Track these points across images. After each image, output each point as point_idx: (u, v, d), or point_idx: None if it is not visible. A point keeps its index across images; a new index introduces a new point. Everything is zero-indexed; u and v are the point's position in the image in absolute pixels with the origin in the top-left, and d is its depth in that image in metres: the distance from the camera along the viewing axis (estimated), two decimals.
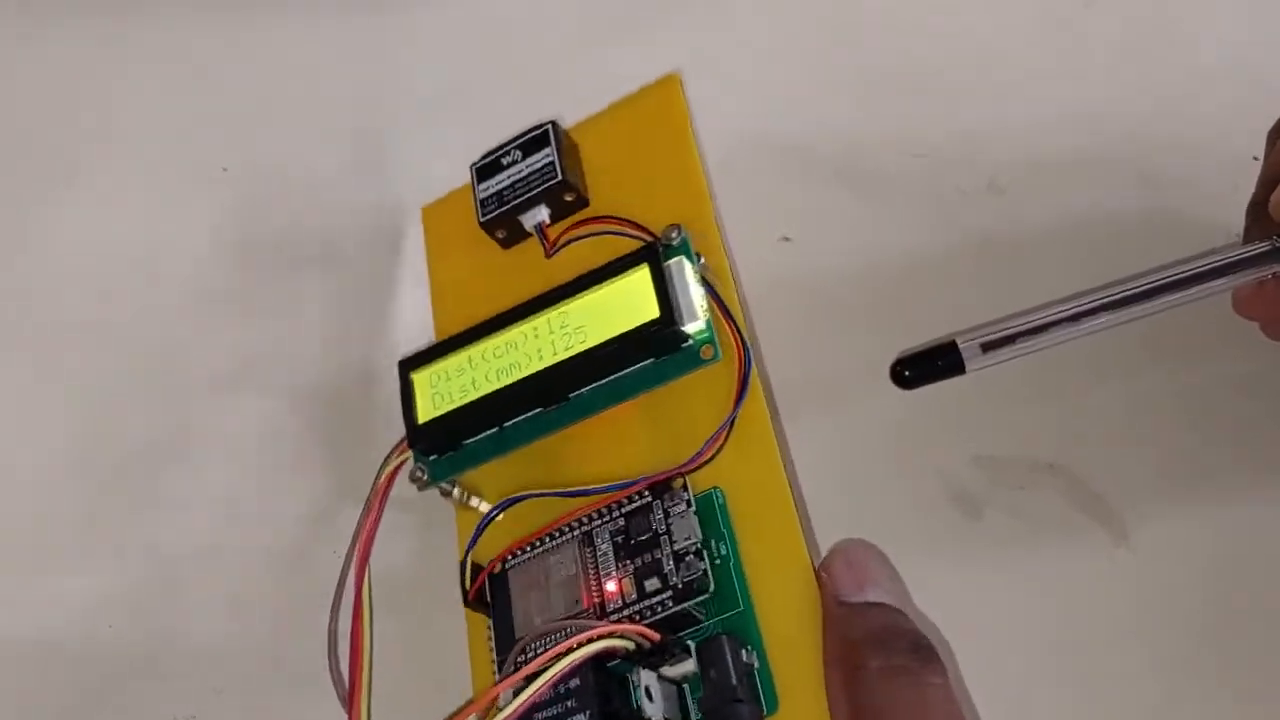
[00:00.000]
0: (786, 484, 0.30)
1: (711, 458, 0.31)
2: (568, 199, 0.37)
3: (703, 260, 0.33)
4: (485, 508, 0.34)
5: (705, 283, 0.32)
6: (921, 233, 0.37)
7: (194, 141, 0.45)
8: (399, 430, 0.35)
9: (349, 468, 0.39)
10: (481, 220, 0.37)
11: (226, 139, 0.45)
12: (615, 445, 0.33)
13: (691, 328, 0.31)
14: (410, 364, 0.34)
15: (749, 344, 0.32)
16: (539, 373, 0.32)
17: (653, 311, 0.31)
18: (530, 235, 0.38)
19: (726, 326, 0.32)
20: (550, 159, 0.36)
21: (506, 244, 0.38)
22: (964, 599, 0.32)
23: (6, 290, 0.45)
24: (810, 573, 0.29)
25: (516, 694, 0.26)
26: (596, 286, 0.32)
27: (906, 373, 0.30)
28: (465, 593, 0.32)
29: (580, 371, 0.32)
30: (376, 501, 0.34)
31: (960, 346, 0.29)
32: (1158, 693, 0.31)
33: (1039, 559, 0.33)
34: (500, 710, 0.26)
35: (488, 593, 0.31)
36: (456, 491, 0.34)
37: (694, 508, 0.30)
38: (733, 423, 0.31)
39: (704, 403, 0.32)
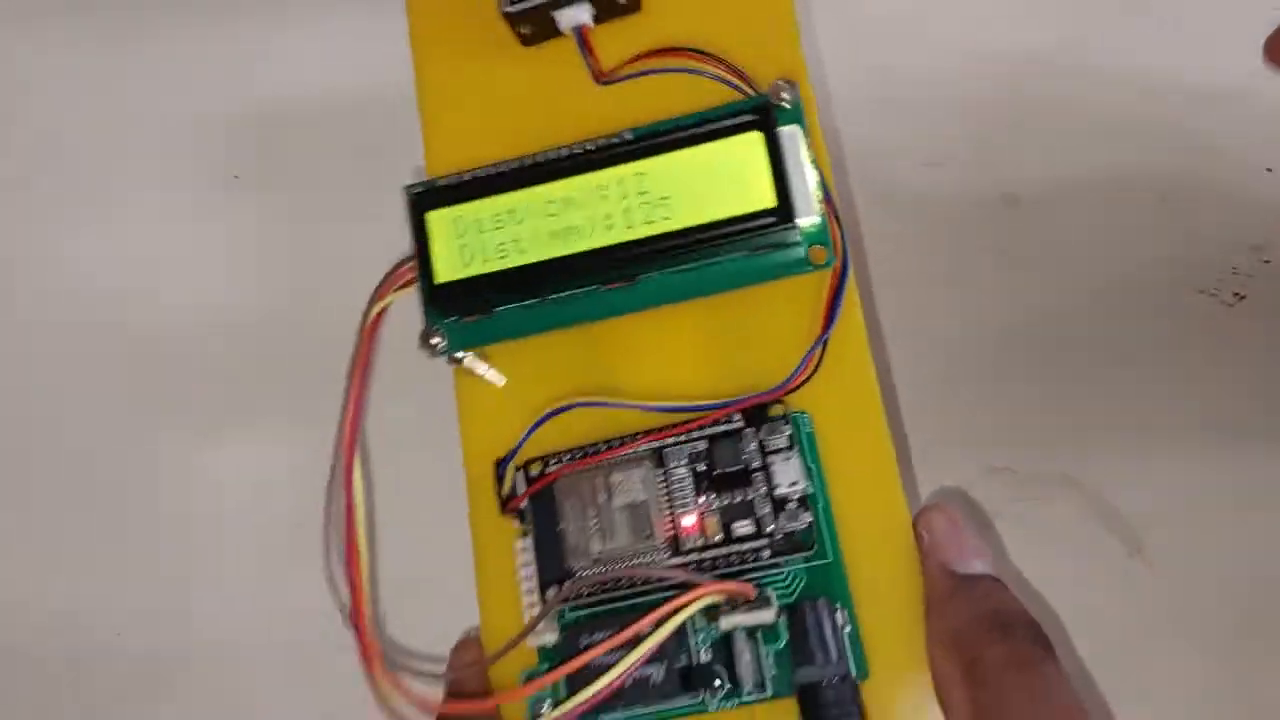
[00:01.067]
0: (883, 415, 0.27)
1: (807, 379, 0.27)
2: (620, 0, 0.29)
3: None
4: (493, 375, 0.29)
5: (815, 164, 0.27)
6: (935, 242, 0.37)
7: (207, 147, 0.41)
8: None
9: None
10: (506, 9, 0.29)
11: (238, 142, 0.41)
12: (673, 344, 0.28)
13: (805, 222, 0.26)
14: (426, 199, 0.27)
15: (847, 243, 0.27)
16: (604, 249, 0.26)
17: (766, 197, 0.26)
18: (562, 36, 0.30)
19: (831, 221, 0.27)
20: None
21: (529, 41, 0.30)
22: None
23: (23, 300, 0.40)
24: (908, 526, 0.26)
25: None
26: (689, 145, 0.26)
27: None
28: (502, 499, 0.27)
29: (658, 254, 0.26)
30: (364, 350, 0.28)
31: None
32: (1172, 703, 0.32)
33: (1052, 569, 0.33)
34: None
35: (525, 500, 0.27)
36: (468, 357, 0.28)
37: (799, 446, 0.25)
38: (826, 339, 0.27)
39: (784, 307, 0.27)
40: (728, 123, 0.26)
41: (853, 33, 0.39)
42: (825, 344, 0.27)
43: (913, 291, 0.35)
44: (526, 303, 0.27)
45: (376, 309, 0.29)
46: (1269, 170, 0.36)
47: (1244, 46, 0.31)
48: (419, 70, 0.31)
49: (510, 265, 0.26)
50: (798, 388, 0.26)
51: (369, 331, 0.29)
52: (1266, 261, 0.37)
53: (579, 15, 0.29)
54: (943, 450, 0.34)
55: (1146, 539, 0.33)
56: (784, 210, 0.25)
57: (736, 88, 0.28)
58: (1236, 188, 0.37)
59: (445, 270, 0.27)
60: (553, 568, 0.26)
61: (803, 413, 0.26)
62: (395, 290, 0.29)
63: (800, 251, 0.26)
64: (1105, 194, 0.37)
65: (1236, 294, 0.36)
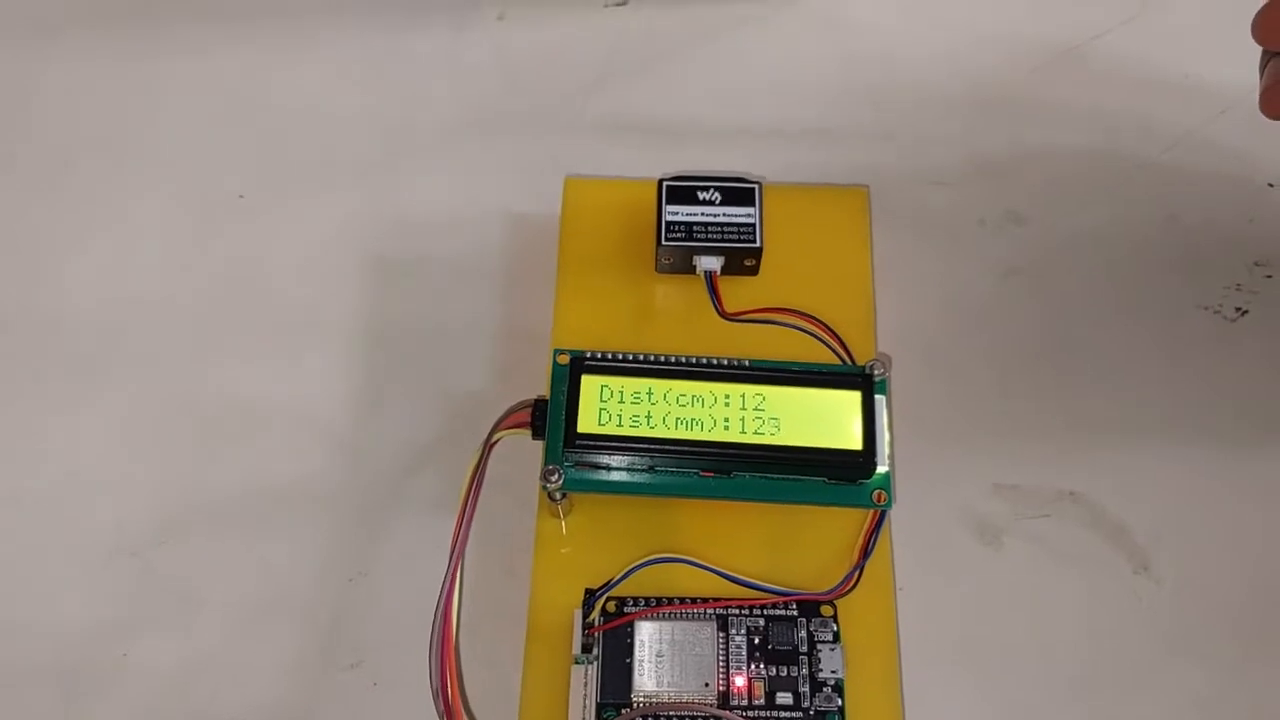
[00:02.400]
0: (896, 633, 0.33)
1: (850, 590, 0.33)
2: (747, 263, 0.37)
3: None
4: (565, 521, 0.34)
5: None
6: (941, 260, 0.39)
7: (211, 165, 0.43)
8: None
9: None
10: (663, 242, 0.36)
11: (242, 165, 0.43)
12: (738, 532, 0.34)
13: (880, 469, 0.33)
14: (585, 365, 0.33)
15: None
16: (720, 444, 0.32)
17: (855, 442, 0.32)
18: (692, 274, 0.37)
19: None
20: (752, 221, 0.37)
21: (662, 269, 0.37)
22: (985, 626, 0.35)
23: (35, 321, 0.40)
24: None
25: None
26: (803, 385, 0.33)
27: None
28: (586, 626, 0.31)
29: (759, 460, 0.32)
30: (478, 474, 0.33)
31: None
32: (1178, 717, 0.33)
33: (1058, 586, 0.34)
34: None
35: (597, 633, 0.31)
36: (564, 500, 0.33)
37: (841, 642, 0.31)
38: (864, 565, 0.33)
39: (832, 522, 0.34)
40: (835, 377, 0.33)
41: (850, 59, 0.43)
42: (862, 569, 0.33)
43: (919, 309, 0.38)
44: (638, 468, 0.33)
45: (496, 438, 0.34)
46: (1270, 185, 0.36)
47: (1246, 60, 0.32)
48: (563, 248, 0.38)
49: (638, 433, 0.32)
50: (843, 595, 0.33)
51: (484, 458, 0.33)
52: (1269, 277, 0.38)
53: (713, 263, 0.37)
54: (950, 467, 0.36)
55: (1152, 555, 0.34)
56: (868, 456, 0.32)
57: (831, 348, 0.35)
58: (1239, 203, 0.38)
59: (586, 424, 0.32)
60: (617, 692, 0.30)
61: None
62: (506, 429, 0.34)
63: (865, 491, 0.33)
64: (1109, 210, 0.38)
65: (1239, 309, 0.37)
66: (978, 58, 0.44)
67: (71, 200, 0.43)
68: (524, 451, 0.34)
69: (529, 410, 0.34)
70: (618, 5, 0.46)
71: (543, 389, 0.34)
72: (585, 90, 0.44)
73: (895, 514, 0.34)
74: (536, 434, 0.33)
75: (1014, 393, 0.37)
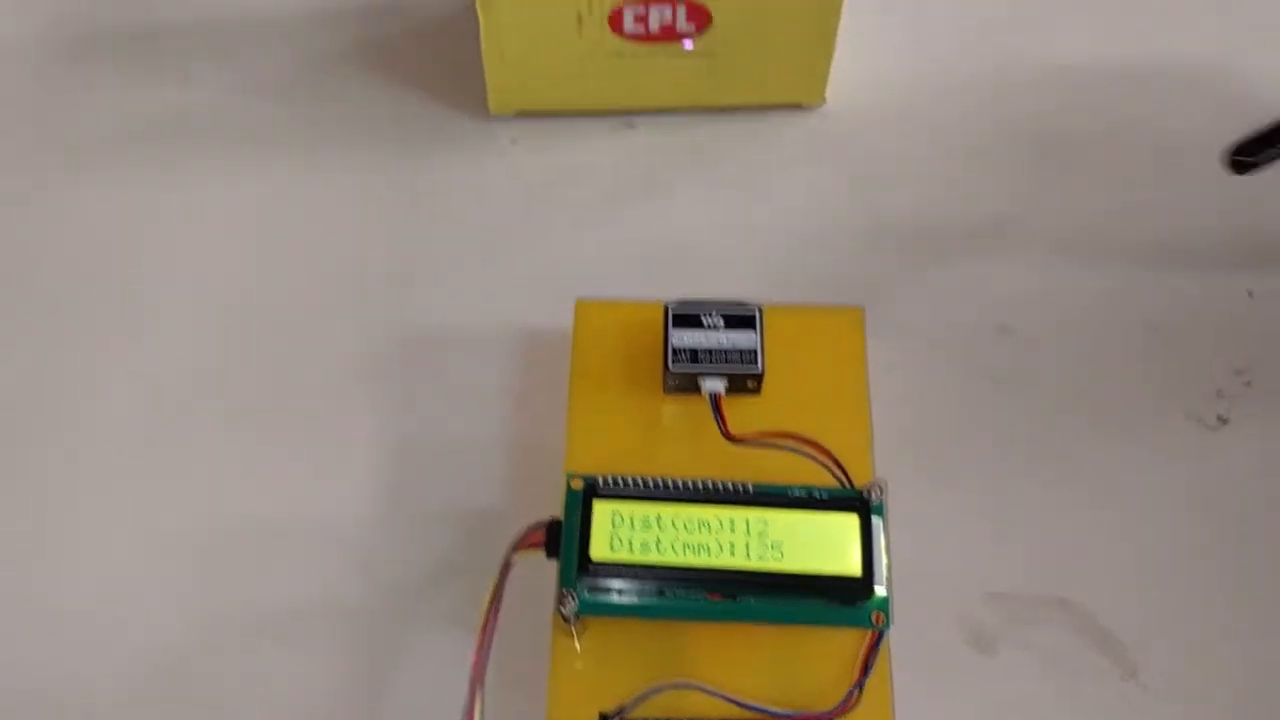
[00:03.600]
0: None
1: (850, 709, 0.34)
2: (749, 384, 0.39)
3: None
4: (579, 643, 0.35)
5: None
6: (932, 369, 0.41)
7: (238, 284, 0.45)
8: None
9: None
10: (670, 368, 0.38)
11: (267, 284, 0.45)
12: (744, 652, 0.35)
13: (878, 592, 0.35)
14: (595, 491, 0.35)
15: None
16: (726, 570, 0.34)
17: (854, 568, 0.34)
18: (697, 394, 0.39)
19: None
20: (754, 346, 0.39)
21: (669, 390, 0.39)
22: None
23: (67, 437, 0.42)
24: None
25: None
26: (802, 509, 0.35)
27: (1243, 157, 0.33)
28: None
29: (761, 584, 0.34)
30: (496, 595, 0.34)
31: None
32: None
33: (1050, 693, 0.35)
34: None
35: None
36: (578, 621, 0.35)
37: None
38: (863, 685, 0.35)
39: (832, 641, 0.35)
40: (835, 501, 0.35)
41: (841, 171, 0.45)
42: (862, 687, 0.35)
43: (912, 422, 0.39)
44: (648, 592, 0.34)
45: (513, 559, 0.36)
46: (1250, 294, 0.38)
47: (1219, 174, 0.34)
48: (575, 369, 0.39)
49: (648, 561, 0.34)
50: (844, 714, 0.34)
51: (502, 581, 0.35)
52: (1248, 384, 0.39)
53: (716, 385, 0.39)
54: (944, 578, 0.37)
55: (1139, 662, 0.35)
56: (866, 580, 0.34)
57: (830, 470, 0.37)
58: (1219, 312, 0.39)
59: (599, 551, 0.34)
60: None
61: None
62: (523, 550, 0.36)
63: (864, 612, 0.35)
64: (1094, 322, 0.40)
65: (1220, 418, 0.39)
66: (968, 175, 0.46)
67: (100, 320, 0.45)
68: (539, 570, 0.36)
69: (544, 531, 0.35)
70: (626, 129, 0.48)
71: (556, 503, 0.36)
72: (594, 211, 0.46)
73: (893, 622, 0.35)
74: (551, 554, 0.35)
75: (1006, 501, 0.39)
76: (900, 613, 0.36)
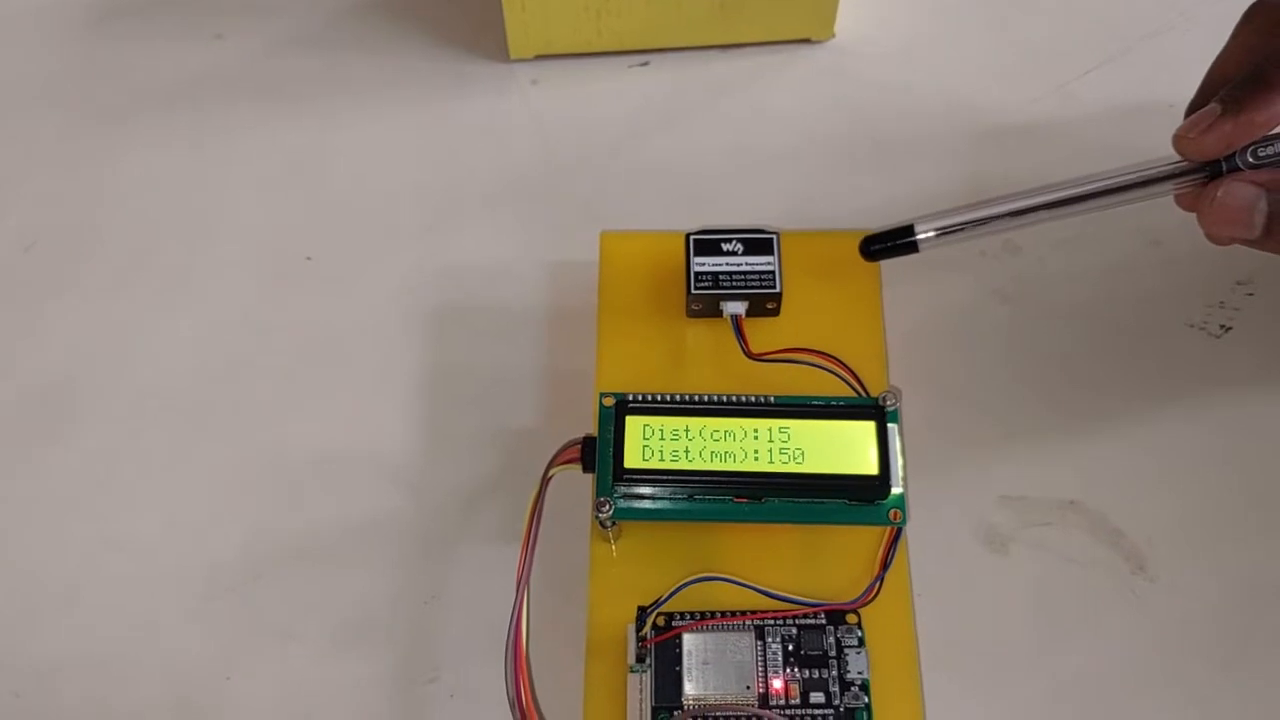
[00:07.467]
0: (914, 635, 0.37)
1: (872, 600, 0.37)
2: (769, 306, 0.41)
3: None
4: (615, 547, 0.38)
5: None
6: (944, 288, 0.43)
7: (281, 232, 0.47)
8: None
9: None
10: (692, 291, 0.40)
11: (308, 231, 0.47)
12: (770, 551, 0.38)
13: (894, 491, 0.37)
14: (628, 407, 0.37)
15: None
16: (751, 473, 0.36)
17: (872, 468, 0.37)
18: (720, 317, 0.41)
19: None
20: (772, 268, 0.41)
21: (692, 314, 0.42)
22: (996, 626, 0.38)
23: (133, 388, 0.45)
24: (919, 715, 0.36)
25: None
26: (821, 418, 0.37)
27: (872, 248, 0.38)
28: (639, 639, 0.35)
29: (786, 487, 0.37)
30: (537, 506, 0.37)
31: (916, 230, 0.37)
32: (1178, 714, 0.36)
33: (1062, 588, 0.38)
34: None
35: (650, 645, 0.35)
36: (615, 527, 0.38)
37: (865, 646, 0.36)
38: (883, 577, 0.37)
39: (854, 538, 0.38)
40: (852, 409, 0.37)
41: (855, 106, 0.47)
42: (882, 579, 0.37)
43: (925, 337, 0.41)
44: (679, 496, 0.37)
45: (551, 474, 0.38)
46: None
47: None
48: (602, 297, 0.42)
49: (678, 467, 0.37)
50: (866, 604, 0.37)
51: (542, 492, 0.38)
52: (1250, 294, 0.41)
53: (738, 308, 0.41)
54: (961, 482, 0.39)
55: (1147, 556, 0.38)
56: (884, 479, 0.36)
57: (847, 382, 0.40)
58: None
59: (632, 460, 0.36)
60: (668, 697, 0.34)
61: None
62: (560, 465, 0.39)
63: (882, 510, 0.37)
64: (1099, 239, 0.42)
65: (1223, 326, 0.40)
66: (975, 98, 0.48)
67: (155, 275, 0.47)
68: (575, 484, 0.38)
69: (579, 447, 0.38)
70: (640, 65, 0.50)
71: (589, 426, 0.38)
72: (614, 146, 0.48)
73: (911, 528, 0.37)
74: (586, 468, 0.38)
75: (1017, 411, 0.41)
76: (920, 518, 0.39)
